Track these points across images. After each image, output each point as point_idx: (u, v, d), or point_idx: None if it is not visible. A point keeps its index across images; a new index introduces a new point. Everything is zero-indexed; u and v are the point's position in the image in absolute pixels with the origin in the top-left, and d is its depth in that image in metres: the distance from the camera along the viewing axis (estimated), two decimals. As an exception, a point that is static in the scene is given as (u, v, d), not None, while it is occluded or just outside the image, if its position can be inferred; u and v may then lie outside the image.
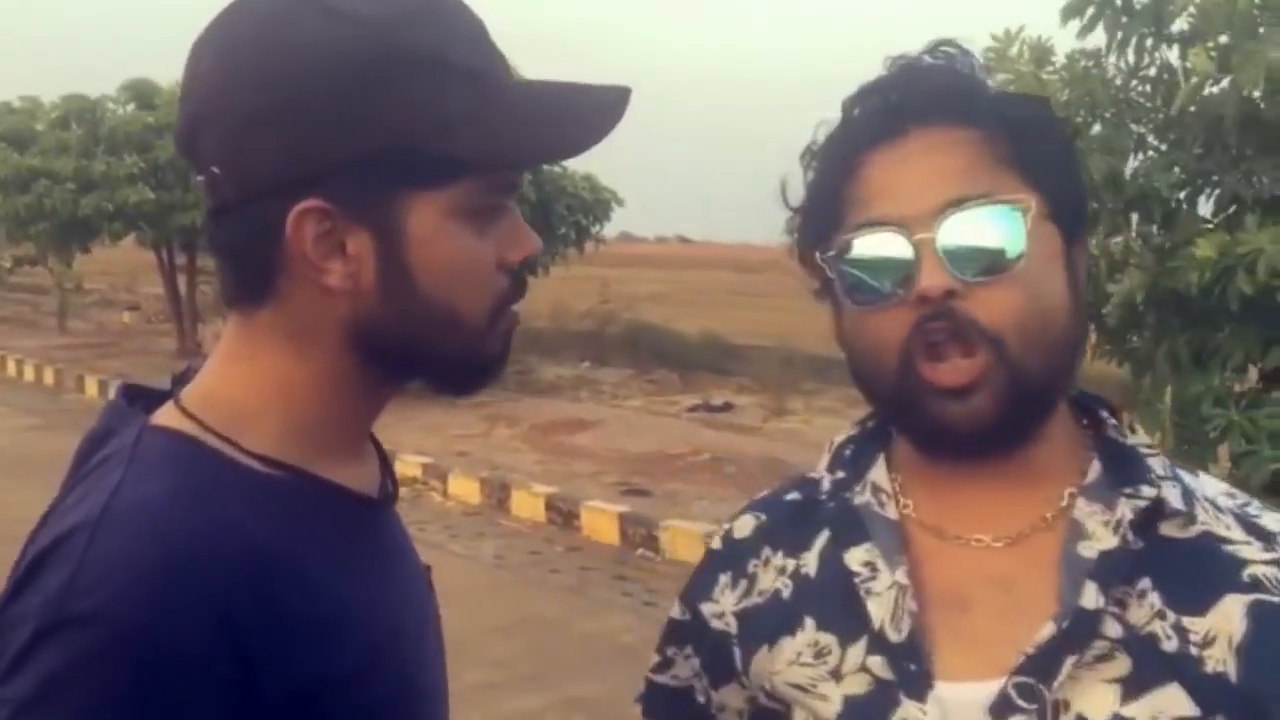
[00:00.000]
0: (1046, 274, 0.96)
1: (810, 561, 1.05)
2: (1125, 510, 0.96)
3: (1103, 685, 0.92)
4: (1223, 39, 3.45)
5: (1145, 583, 0.94)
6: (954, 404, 0.94)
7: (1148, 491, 0.97)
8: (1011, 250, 0.94)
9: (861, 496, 1.04)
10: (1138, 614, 0.94)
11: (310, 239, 0.86)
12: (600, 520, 7.57)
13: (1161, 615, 0.93)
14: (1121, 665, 0.92)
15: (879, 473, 1.05)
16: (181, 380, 0.95)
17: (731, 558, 1.11)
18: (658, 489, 8.21)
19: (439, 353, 0.91)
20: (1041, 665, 0.92)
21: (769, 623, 1.05)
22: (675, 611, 1.15)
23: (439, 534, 7.43)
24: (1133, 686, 0.91)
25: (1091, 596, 0.93)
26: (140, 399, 0.93)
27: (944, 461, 1.01)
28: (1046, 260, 0.96)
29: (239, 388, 0.91)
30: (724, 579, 1.10)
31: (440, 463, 8.90)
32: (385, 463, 1.03)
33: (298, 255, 0.86)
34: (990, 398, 0.93)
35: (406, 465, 8.63)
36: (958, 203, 0.94)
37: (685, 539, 7.03)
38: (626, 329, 15.72)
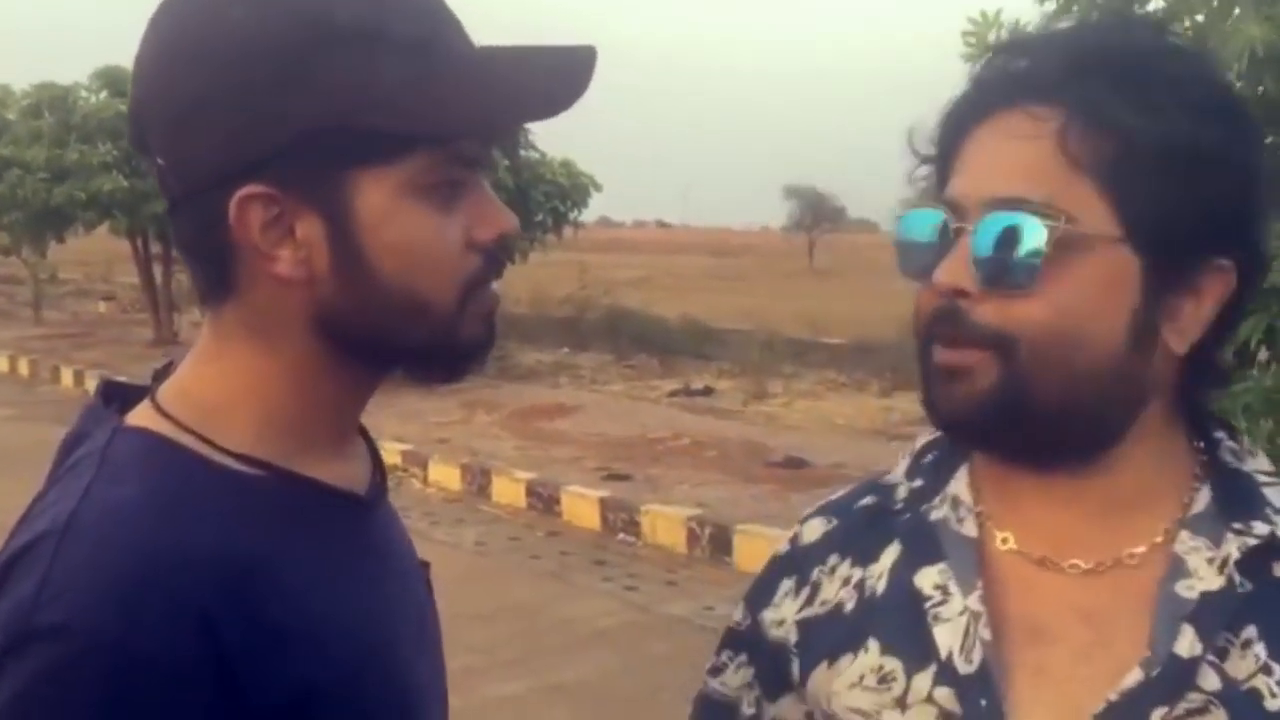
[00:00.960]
0: (1086, 301, 0.86)
1: (878, 577, 0.98)
2: (1232, 547, 0.87)
3: None
4: (1198, 18, 3.47)
5: (1250, 631, 0.86)
6: (945, 385, 0.89)
7: (1260, 528, 0.87)
8: (1030, 266, 0.85)
9: (939, 511, 0.97)
10: (1240, 666, 0.85)
11: (257, 226, 0.82)
12: (581, 505, 7.57)
13: (1267, 669, 0.85)
14: None
15: (960, 484, 0.98)
16: (161, 376, 0.92)
17: (796, 563, 1.04)
18: (638, 474, 8.21)
19: (408, 340, 0.87)
20: (1125, 715, 0.84)
21: (830, 637, 0.98)
22: (736, 615, 1.08)
23: (420, 521, 7.41)
24: None
25: (1188, 643, 0.85)
26: (118, 398, 0.91)
27: (1013, 469, 0.94)
28: (1091, 286, 0.86)
29: (213, 385, 0.88)
30: (787, 584, 1.04)
31: (420, 450, 8.88)
32: (376, 458, 1.00)
33: (247, 245, 0.83)
34: (974, 390, 0.87)
35: (386, 453, 8.47)
36: (1001, 203, 0.86)
37: (666, 523, 7.05)
38: (606, 314, 15.71)
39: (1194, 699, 0.84)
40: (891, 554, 0.98)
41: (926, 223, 0.91)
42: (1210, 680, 0.85)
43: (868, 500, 1.03)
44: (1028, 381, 0.86)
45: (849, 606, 0.98)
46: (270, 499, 0.86)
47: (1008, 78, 0.90)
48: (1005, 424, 0.88)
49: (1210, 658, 0.85)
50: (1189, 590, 0.87)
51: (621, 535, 7.24)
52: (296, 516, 0.87)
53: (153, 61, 0.85)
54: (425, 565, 1.04)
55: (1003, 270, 0.86)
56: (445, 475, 8.55)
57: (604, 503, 7.47)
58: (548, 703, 4.87)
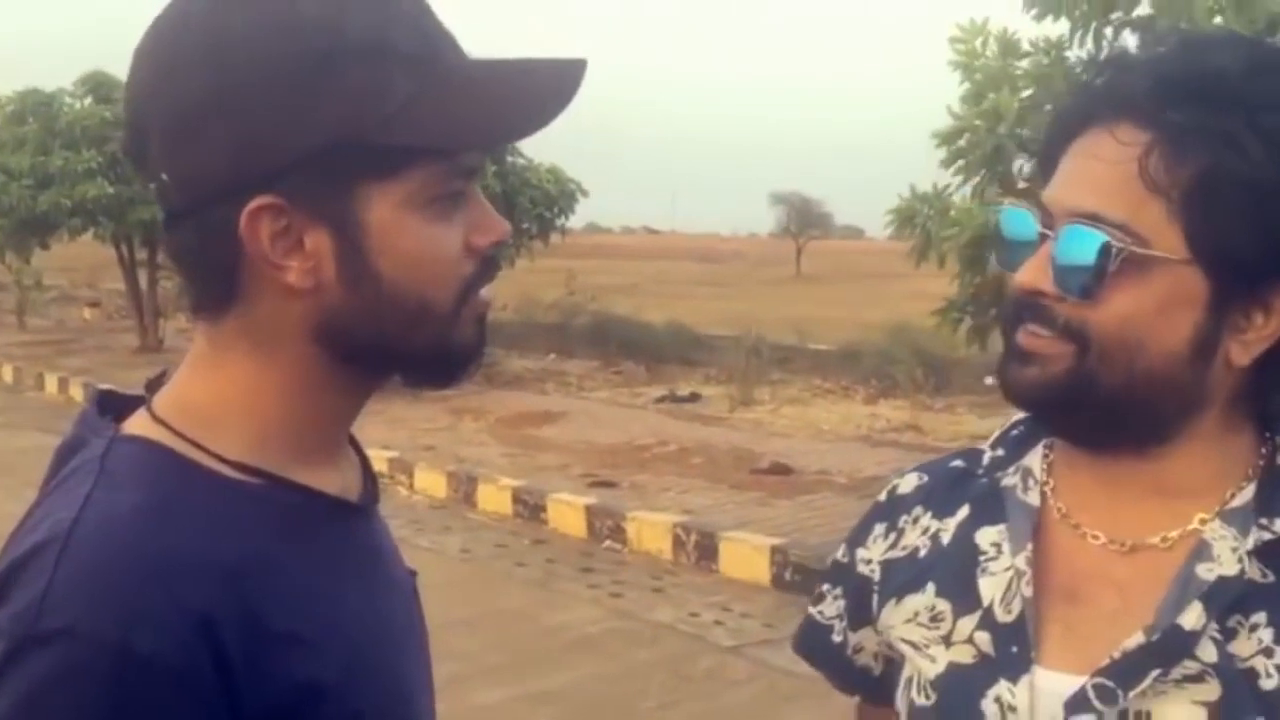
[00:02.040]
0: (1149, 314, 0.94)
1: (949, 529, 1.10)
2: (1252, 540, 0.96)
3: (1190, 706, 0.94)
4: (1182, 25, 3.48)
5: (1260, 616, 0.95)
6: (1020, 366, 0.99)
7: (1279, 526, 0.96)
8: (1095, 283, 0.94)
9: (1010, 479, 1.09)
10: (1243, 646, 0.94)
11: (267, 238, 0.83)
12: (567, 512, 7.56)
13: (1268, 653, 0.94)
14: (1212, 690, 0.93)
15: (1034, 458, 1.09)
16: (156, 385, 0.93)
17: (889, 510, 1.18)
18: (624, 481, 8.20)
19: (408, 345, 0.89)
20: (1125, 672, 0.95)
21: (902, 577, 1.12)
22: (838, 553, 1.22)
23: (405, 528, 7.39)
24: (1220, 714, 0.93)
25: (1193, 617, 0.94)
26: (113, 407, 0.91)
27: (1079, 449, 1.04)
28: (1154, 301, 0.94)
29: (210, 394, 0.89)
30: (879, 529, 1.17)
31: (406, 456, 8.86)
32: (366, 466, 1.01)
33: (256, 256, 0.84)
34: (1044, 375, 0.97)
35: (373, 459, 8.57)
36: (1081, 216, 0.94)
37: (652, 530, 7.04)
38: (593, 320, 15.69)
39: (1190, 666, 0.94)
40: (963, 511, 1.10)
41: (1025, 224, 1.00)
42: (1209, 653, 0.94)
43: (957, 463, 1.16)
44: (1093, 376, 0.95)
45: (922, 552, 1.12)
46: (267, 506, 0.87)
47: (1106, 95, 0.98)
48: (1066, 408, 0.99)
49: (1214, 634, 0.94)
50: (1208, 572, 0.97)
51: (607, 542, 7.24)
52: (293, 523, 0.88)
53: (155, 70, 0.84)
54: (413, 574, 1.05)
55: (1074, 279, 0.95)
56: (431, 482, 8.54)
57: (590, 510, 7.46)
58: (533, 709, 4.87)
